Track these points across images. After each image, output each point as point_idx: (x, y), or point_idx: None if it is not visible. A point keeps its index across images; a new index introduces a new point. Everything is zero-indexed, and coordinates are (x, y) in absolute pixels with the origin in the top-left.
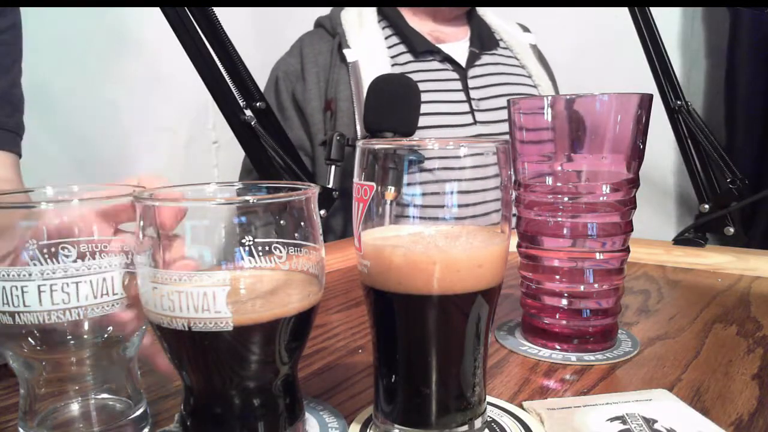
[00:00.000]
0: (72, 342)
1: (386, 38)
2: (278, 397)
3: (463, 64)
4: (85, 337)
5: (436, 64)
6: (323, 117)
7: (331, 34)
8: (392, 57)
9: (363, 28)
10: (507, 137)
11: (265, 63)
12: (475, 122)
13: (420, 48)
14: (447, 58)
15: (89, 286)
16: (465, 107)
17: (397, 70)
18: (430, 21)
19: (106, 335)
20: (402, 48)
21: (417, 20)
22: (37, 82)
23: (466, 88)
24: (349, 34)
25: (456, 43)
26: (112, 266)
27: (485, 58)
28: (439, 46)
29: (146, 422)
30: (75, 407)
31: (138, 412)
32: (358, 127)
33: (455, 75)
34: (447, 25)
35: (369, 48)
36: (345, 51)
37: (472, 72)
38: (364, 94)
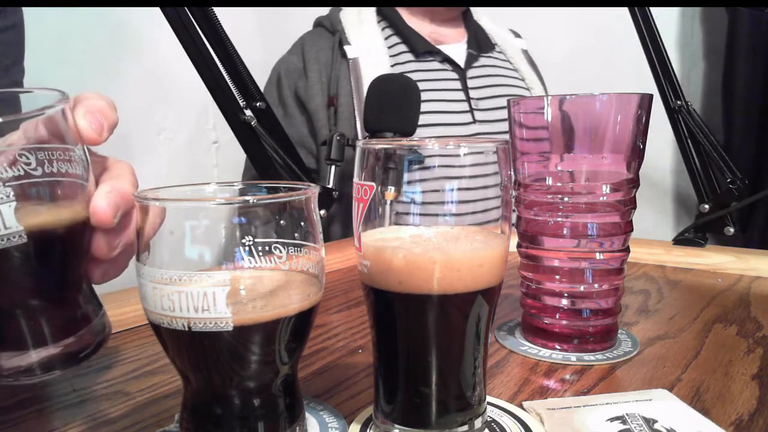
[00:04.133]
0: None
1: (386, 38)
2: (278, 397)
3: (462, 65)
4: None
5: (436, 65)
6: (327, 113)
7: (331, 32)
8: (392, 56)
9: (363, 26)
10: (506, 137)
11: (266, 62)
12: (475, 121)
13: (420, 48)
14: (446, 59)
15: None
16: (465, 106)
17: (398, 69)
18: (428, 21)
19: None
20: (402, 48)
21: (415, 21)
22: (37, 82)
23: (465, 88)
24: (349, 31)
25: (454, 44)
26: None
27: (482, 60)
28: (438, 47)
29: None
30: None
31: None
32: (358, 125)
33: (455, 75)
34: (445, 27)
35: (369, 46)
36: (345, 47)
37: (470, 73)
38: (364, 92)
